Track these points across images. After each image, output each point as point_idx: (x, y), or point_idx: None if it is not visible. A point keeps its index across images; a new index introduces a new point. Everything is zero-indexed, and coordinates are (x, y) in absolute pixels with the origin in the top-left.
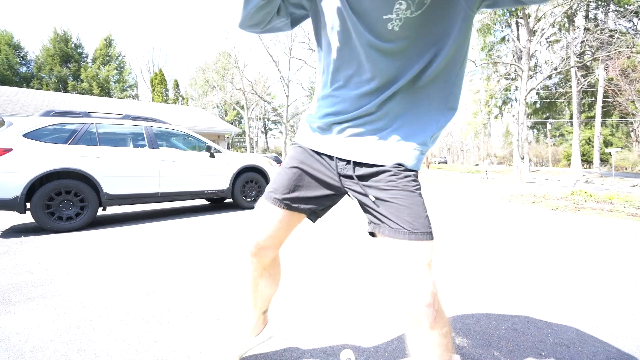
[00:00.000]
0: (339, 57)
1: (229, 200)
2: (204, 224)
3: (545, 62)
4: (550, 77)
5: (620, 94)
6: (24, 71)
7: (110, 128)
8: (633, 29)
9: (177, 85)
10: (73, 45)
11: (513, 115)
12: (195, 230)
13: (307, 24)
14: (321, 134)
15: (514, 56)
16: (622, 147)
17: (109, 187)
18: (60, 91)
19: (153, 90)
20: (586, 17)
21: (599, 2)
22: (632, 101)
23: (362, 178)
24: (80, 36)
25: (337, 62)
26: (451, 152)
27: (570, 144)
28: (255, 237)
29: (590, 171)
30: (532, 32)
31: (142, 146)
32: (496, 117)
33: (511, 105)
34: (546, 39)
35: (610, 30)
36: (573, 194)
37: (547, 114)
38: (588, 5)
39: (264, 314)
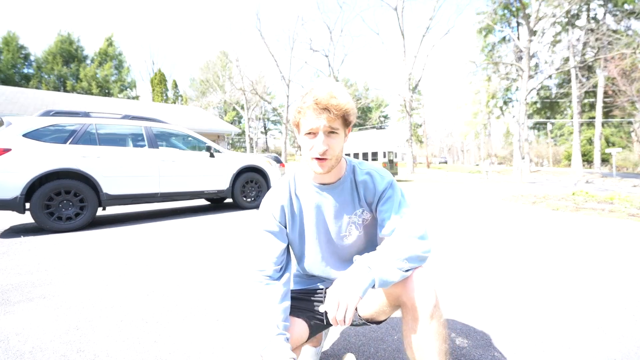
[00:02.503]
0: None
1: (229, 200)
2: (204, 224)
3: (546, 62)
4: (551, 77)
5: (620, 94)
6: (26, 71)
7: (110, 128)
8: (631, 29)
9: (175, 85)
10: (76, 46)
11: (514, 116)
12: (195, 230)
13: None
14: None
15: (514, 56)
16: (623, 148)
17: (108, 187)
18: (59, 90)
19: (153, 90)
20: (587, 17)
21: (599, 2)
22: (632, 102)
23: None
24: (81, 37)
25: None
26: (451, 152)
27: (571, 144)
28: None
29: (591, 171)
30: (532, 32)
31: (142, 146)
32: (497, 117)
33: (512, 106)
34: (552, 36)
35: (612, 32)
36: (574, 194)
37: (549, 114)
38: (588, 5)
39: None
